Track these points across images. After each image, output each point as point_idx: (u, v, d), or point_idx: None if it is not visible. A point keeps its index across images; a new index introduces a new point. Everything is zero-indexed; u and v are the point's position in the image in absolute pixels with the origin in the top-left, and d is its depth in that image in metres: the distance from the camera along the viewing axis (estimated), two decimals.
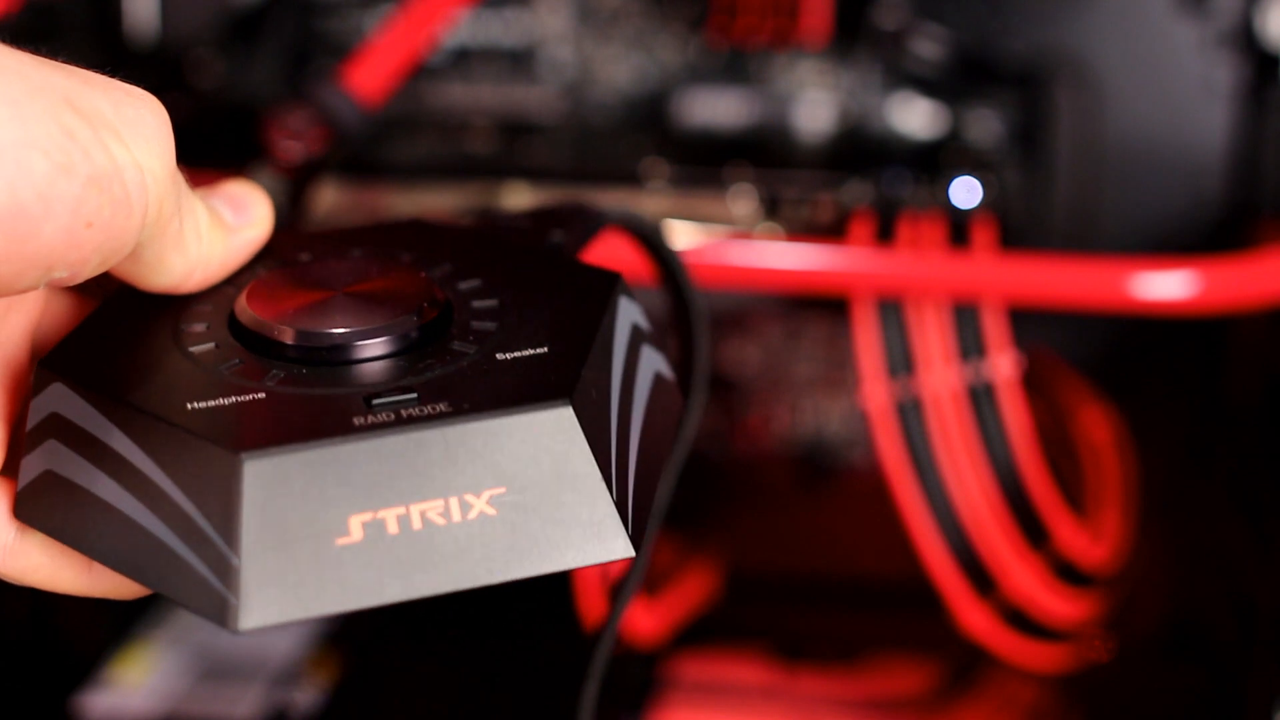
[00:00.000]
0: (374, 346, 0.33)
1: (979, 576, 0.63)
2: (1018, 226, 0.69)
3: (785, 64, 0.74)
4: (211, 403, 0.31)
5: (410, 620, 0.74)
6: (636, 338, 0.37)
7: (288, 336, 0.33)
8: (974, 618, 0.64)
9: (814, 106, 0.73)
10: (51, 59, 0.31)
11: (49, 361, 0.33)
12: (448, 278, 0.37)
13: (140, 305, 0.35)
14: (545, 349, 0.34)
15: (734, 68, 0.74)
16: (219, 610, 0.29)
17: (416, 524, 0.30)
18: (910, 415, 0.62)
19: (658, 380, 0.37)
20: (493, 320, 0.35)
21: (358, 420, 0.31)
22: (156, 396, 0.31)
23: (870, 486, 0.70)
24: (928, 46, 0.72)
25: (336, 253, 0.38)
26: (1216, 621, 0.70)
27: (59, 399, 0.32)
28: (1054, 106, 0.71)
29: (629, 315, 0.37)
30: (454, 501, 0.31)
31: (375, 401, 0.31)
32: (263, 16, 0.76)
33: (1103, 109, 0.72)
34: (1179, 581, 0.73)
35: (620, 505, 0.32)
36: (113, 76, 0.33)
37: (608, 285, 0.37)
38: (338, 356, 0.33)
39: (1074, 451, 0.69)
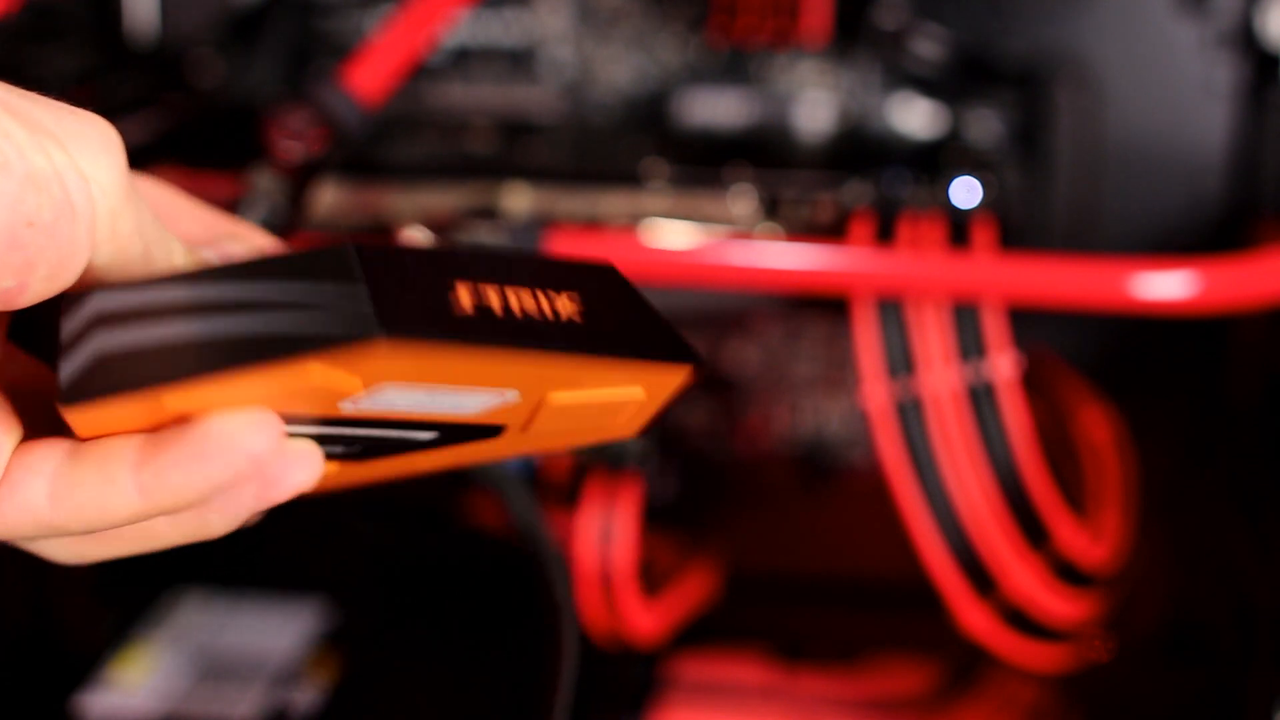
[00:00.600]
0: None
1: (979, 576, 0.63)
2: (1018, 226, 0.69)
3: (785, 64, 0.74)
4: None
5: (410, 620, 0.75)
6: None
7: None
8: (974, 618, 0.64)
9: (814, 106, 0.73)
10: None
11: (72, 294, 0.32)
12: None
13: None
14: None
15: (734, 68, 0.74)
16: (361, 324, 0.30)
17: (514, 306, 0.32)
18: (910, 415, 0.62)
19: None
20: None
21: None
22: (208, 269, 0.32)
23: (870, 486, 0.70)
24: (928, 46, 0.72)
25: None
26: (1216, 621, 0.70)
27: (98, 302, 0.32)
28: (1054, 106, 0.71)
29: None
30: (542, 296, 0.33)
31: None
32: (263, 16, 0.76)
33: (1103, 109, 0.72)
34: (1179, 581, 0.73)
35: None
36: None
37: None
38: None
39: (1074, 451, 0.69)
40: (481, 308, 0.32)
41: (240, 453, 0.31)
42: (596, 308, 0.34)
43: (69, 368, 0.31)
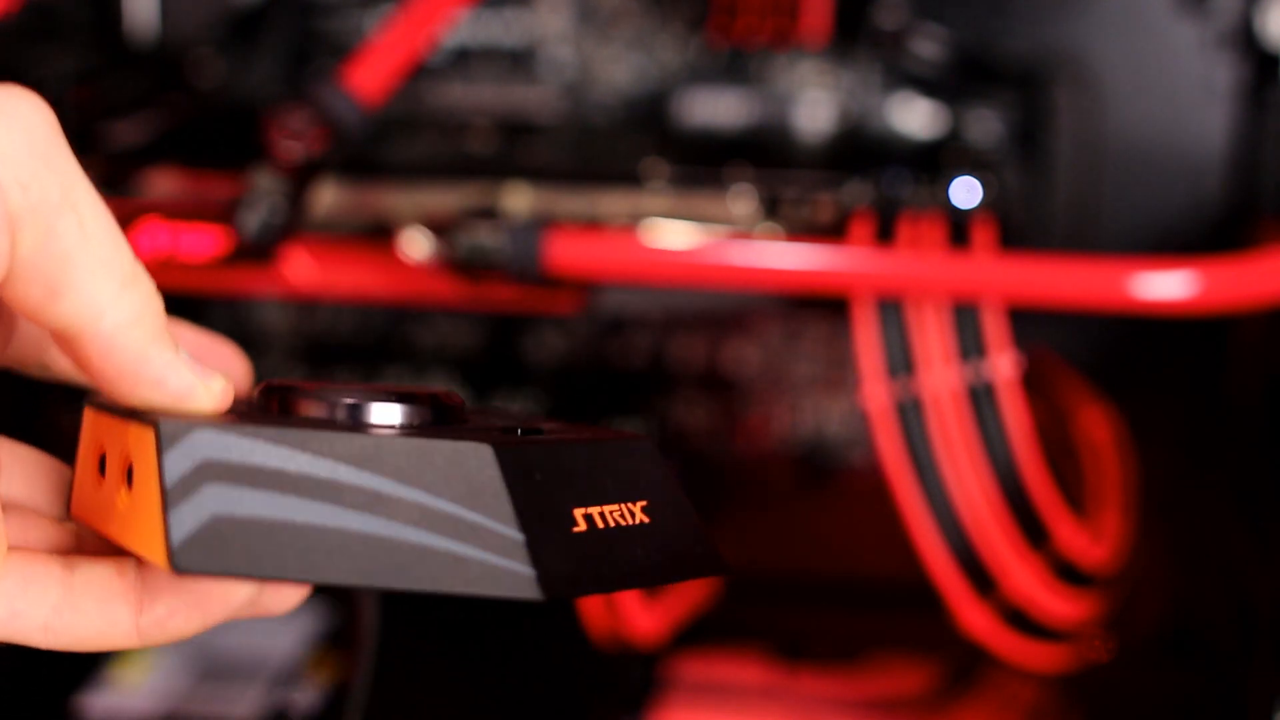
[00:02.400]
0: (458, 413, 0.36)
1: (979, 576, 0.63)
2: (1018, 226, 0.69)
3: (785, 64, 0.74)
4: (385, 433, 0.32)
5: (410, 621, 0.74)
6: None
7: (382, 410, 0.34)
8: (974, 618, 0.64)
9: (814, 106, 0.73)
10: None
11: (157, 416, 0.31)
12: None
13: None
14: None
15: (734, 68, 0.74)
16: (522, 586, 0.31)
17: (610, 522, 0.34)
18: (910, 415, 0.62)
19: None
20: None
21: (524, 438, 0.34)
22: (327, 431, 0.32)
23: (870, 486, 0.70)
24: (928, 46, 0.72)
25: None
26: (1216, 621, 0.70)
27: (205, 445, 0.31)
28: (1054, 106, 0.71)
29: None
30: (624, 508, 0.35)
31: (519, 431, 0.35)
32: (263, 16, 0.76)
33: (1103, 109, 0.72)
34: (1179, 581, 0.73)
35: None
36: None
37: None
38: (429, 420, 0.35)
39: (1074, 451, 0.69)
40: (595, 533, 0.34)
41: (237, 599, 0.32)
42: (658, 519, 0.36)
43: (180, 525, 0.30)
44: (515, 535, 0.32)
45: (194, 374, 0.32)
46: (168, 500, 0.30)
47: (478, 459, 0.32)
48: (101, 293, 0.30)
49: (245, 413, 0.33)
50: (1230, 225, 0.71)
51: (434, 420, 0.35)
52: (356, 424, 0.33)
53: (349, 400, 0.34)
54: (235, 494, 0.31)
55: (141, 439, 0.31)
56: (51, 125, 0.30)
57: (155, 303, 0.32)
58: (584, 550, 0.33)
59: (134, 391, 0.32)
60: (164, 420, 0.31)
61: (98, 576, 0.32)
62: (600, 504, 0.34)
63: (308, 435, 0.31)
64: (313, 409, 0.33)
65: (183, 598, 0.32)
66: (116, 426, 0.33)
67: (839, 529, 0.77)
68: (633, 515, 0.35)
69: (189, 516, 0.30)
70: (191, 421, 0.31)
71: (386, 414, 0.34)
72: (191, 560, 0.30)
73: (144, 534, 0.31)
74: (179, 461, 0.31)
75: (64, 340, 0.31)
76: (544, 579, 0.31)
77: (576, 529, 0.33)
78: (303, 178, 0.65)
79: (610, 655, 0.70)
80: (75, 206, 0.30)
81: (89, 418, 0.34)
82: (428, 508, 0.31)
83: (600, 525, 0.34)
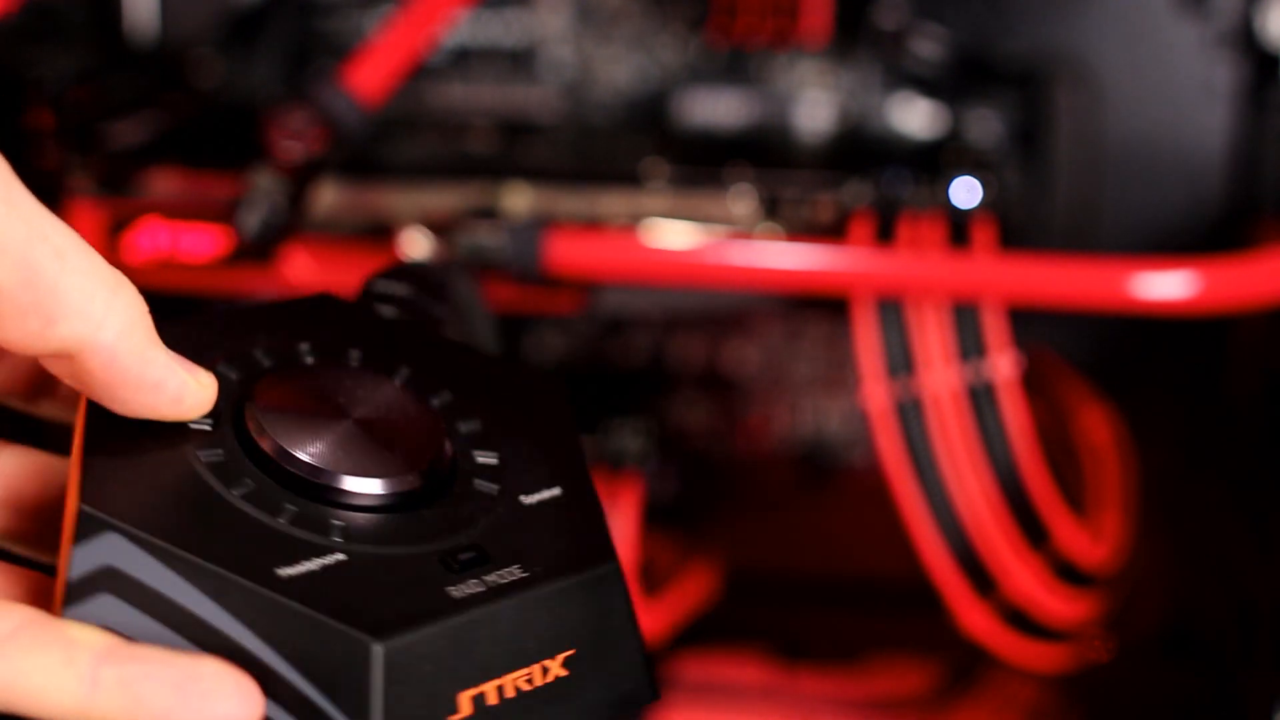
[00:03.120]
0: (417, 496, 0.34)
1: (979, 576, 0.63)
2: (1018, 226, 0.69)
3: (785, 64, 0.74)
4: (300, 568, 0.31)
5: None
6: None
7: (341, 485, 0.33)
8: (974, 618, 0.64)
9: (814, 106, 0.73)
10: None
11: (91, 499, 0.30)
12: (422, 393, 0.37)
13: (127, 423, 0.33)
14: (558, 490, 0.36)
15: (734, 68, 0.74)
16: None
17: (510, 693, 0.32)
18: (910, 415, 0.62)
19: None
20: (489, 450, 0.36)
21: (454, 592, 0.31)
22: (237, 556, 0.30)
23: (870, 486, 0.70)
24: (928, 46, 0.72)
25: (283, 352, 0.37)
26: (1216, 621, 0.70)
27: (113, 551, 0.30)
28: (1054, 106, 0.70)
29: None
30: (538, 669, 0.32)
31: (457, 565, 0.32)
32: (263, 16, 0.76)
33: (1103, 109, 0.72)
34: (1179, 581, 0.73)
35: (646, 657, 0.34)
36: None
37: (560, 393, 0.39)
38: (388, 505, 0.33)
39: (1074, 451, 0.69)
40: (482, 712, 0.31)
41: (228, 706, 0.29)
42: (581, 668, 0.33)
43: (71, 616, 0.30)
44: None
45: (186, 372, 0.32)
46: (68, 593, 0.30)
47: (360, 654, 0.30)
48: (94, 306, 0.30)
49: (183, 499, 0.32)
50: (1230, 225, 0.71)
51: (420, 490, 0.34)
52: (325, 497, 0.33)
53: (323, 472, 0.33)
54: (125, 613, 0.30)
55: (71, 512, 0.31)
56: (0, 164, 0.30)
57: (142, 304, 0.32)
58: None
59: (135, 398, 0.32)
60: (86, 507, 0.30)
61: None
62: (506, 673, 0.32)
63: (216, 578, 0.30)
64: (283, 462, 0.33)
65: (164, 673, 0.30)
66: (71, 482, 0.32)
67: (839, 529, 0.77)
68: (546, 673, 0.32)
69: (80, 614, 0.30)
70: (109, 518, 0.30)
71: (363, 488, 0.33)
72: None
73: (56, 587, 0.31)
74: (86, 557, 0.30)
75: (63, 362, 0.31)
76: None
77: (456, 716, 0.31)
78: (303, 178, 0.65)
79: None
80: (44, 236, 0.30)
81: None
82: (293, 689, 0.30)
83: (491, 702, 0.31)
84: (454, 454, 0.35)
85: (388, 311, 0.41)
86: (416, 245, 0.65)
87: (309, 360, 0.37)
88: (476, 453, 0.36)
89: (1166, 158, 0.72)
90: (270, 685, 0.30)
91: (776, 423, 0.78)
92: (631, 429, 0.74)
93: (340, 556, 0.31)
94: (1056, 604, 0.64)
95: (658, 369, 0.78)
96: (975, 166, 0.68)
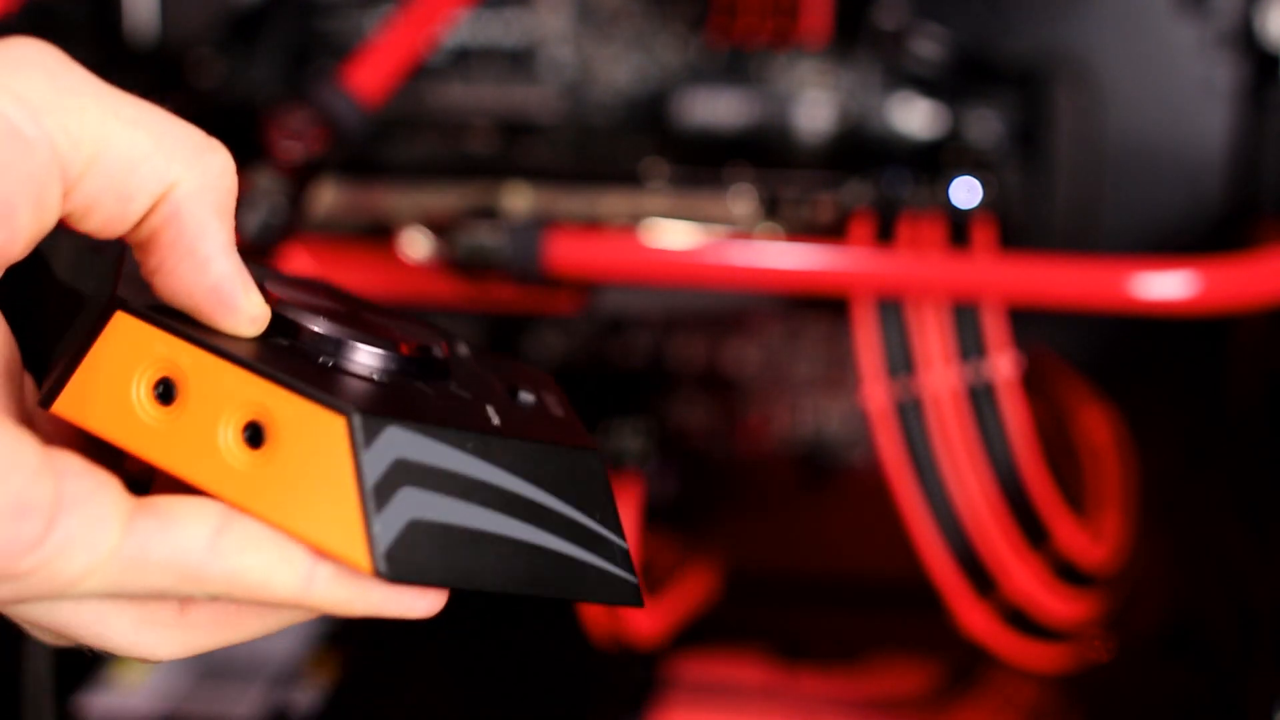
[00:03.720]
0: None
1: (979, 576, 0.63)
2: (1018, 226, 0.69)
3: (785, 64, 0.74)
4: (495, 417, 0.33)
5: (411, 621, 0.74)
6: None
7: (431, 353, 0.35)
8: (974, 618, 0.64)
9: (814, 106, 0.73)
10: None
11: (362, 405, 0.31)
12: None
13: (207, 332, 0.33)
14: (534, 399, 0.38)
15: (734, 68, 0.74)
16: (629, 594, 0.34)
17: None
18: (910, 415, 0.62)
19: None
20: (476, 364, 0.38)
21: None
22: (465, 420, 0.32)
23: (870, 486, 0.70)
24: (928, 46, 0.72)
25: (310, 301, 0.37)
26: (1216, 621, 0.70)
27: (406, 445, 0.31)
28: (1054, 106, 0.70)
29: None
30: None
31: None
32: (263, 16, 0.76)
33: (1103, 109, 0.72)
34: (1179, 581, 0.73)
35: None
36: (112, 76, 0.32)
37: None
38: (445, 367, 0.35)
39: (1074, 451, 0.69)
40: None
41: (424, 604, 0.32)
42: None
43: (386, 529, 0.30)
44: (621, 544, 0.34)
45: (240, 274, 0.32)
46: (372, 502, 0.30)
47: (594, 465, 0.34)
48: (171, 171, 0.31)
49: (378, 392, 0.33)
50: (1230, 225, 0.71)
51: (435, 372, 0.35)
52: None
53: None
54: (426, 499, 0.31)
55: (310, 419, 0.30)
56: (59, 56, 0.31)
57: (228, 176, 0.32)
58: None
59: (178, 269, 0.31)
60: (357, 411, 0.30)
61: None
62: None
63: (479, 440, 0.32)
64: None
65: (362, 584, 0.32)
66: (222, 370, 0.31)
67: (839, 529, 0.77)
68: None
69: (392, 520, 0.30)
70: (381, 416, 0.30)
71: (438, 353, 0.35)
72: (398, 567, 0.30)
73: (307, 516, 0.30)
74: (377, 460, 0.30)
75: (140, 236, 0.31)
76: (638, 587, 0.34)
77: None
78: (303, 178, 0.65)
79: (610, 655, 0.70)
80: (115, 113, 0.30)
81: (129, 325, 0.32)
82: (570, 518, 0.33)
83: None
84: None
85: None
86: (416, 245, 0.65)
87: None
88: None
89: (1166, 158, 0.72)
90: (544, 520, 0.32)
91: (776, 423, 0.78)
92: (631, 429, 0.74)
93: (490, 406, 0.34)
94: (1056, 604, 0.64)
95: (658, 369, 0.78)
96: (975, 166, 0.68)
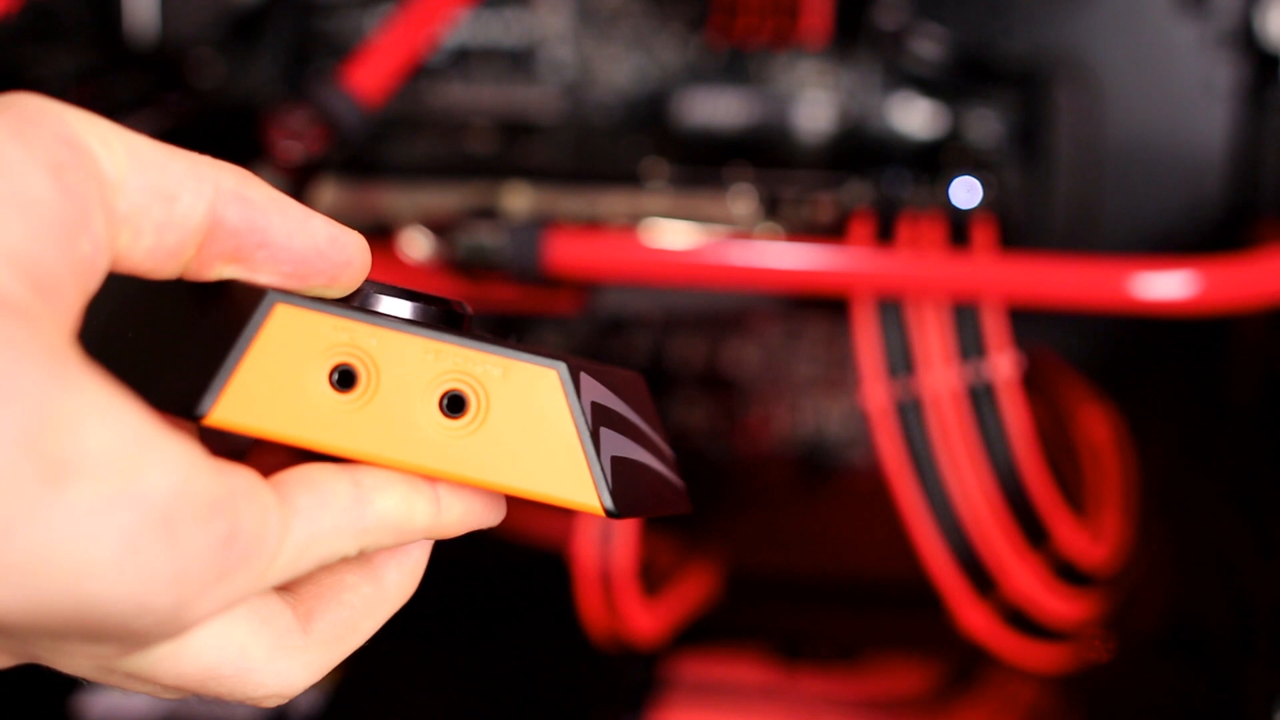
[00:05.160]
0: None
1: (979, 576, 0.63)
2: (1018, 226, 0.69)
3: (785, 64, 0.74)
4: (554, 351, 0.34)
5: (410, 620, 0.74)
6: None
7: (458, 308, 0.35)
8: (974, 618, 0.64)
9: (814, 106, 0.73)
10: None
11: (560, 358, 0.32)
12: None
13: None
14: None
15: (734, 68, 0.74)
16: (687, 500, 0.36)
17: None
18: (910, 415, 0.62)
19: None
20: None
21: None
22: (576, 361, 0.33)
23: (870, 486, 0.70)
24: (928, 46, 0.72)
25: None
26: (1216, 621, 0.70)
27: (591, 389, 0.32)
28: (1054, 106, 0.71)
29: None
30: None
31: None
32: (263, 16, 0.76)
33: (1103, 109, 0.72)
34: (1179, 581, 0.73)
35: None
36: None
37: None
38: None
39: (1074, 451, 0.69)
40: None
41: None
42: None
43: (604, 469, 0.32)
44: (670, 452, 0.35)
45: (326, 219, 0.32)
46: (591, 446, 0.32)
47: (640, 381, 0.35)
48: (203, 169, 0.30)
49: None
50: (1230, 225, 0.71)
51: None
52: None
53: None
54: (614, 438, 0.33)
55: (522, 379, 0.31)
56: (60, 108, 0.29)
57: (245, 172, 0.31)
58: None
59: (291, 242, 0.31)
60: (553, 361, 0.32)
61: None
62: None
63: (614, 374, 0.33)
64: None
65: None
66: (413, 345, 0.31)
67: (839, 529, 0.77)
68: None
69: (605, 460, 0.32)
70: (574, 366, 0.32)
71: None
72: (620, 503, 0.32)
73: (530, 472, 0.32)
74: (585, 407, 0.32)
75: (209, 240, 0.30)
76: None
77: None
78: (303, 178, 0.65)
79: (610, 655, 0.70)
80: (134, 133, 0.30)
81: (294, 317, 0.31)
82: (659, 445, 0.35)
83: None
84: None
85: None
86: (416, 245, 0.65)
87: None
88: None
89: (1166, 158, 0.72)
90: (653, 448, 0.34)
91: (776, 423, 0.78)
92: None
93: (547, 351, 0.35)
94: (1056, 604, 0.64)
95: (658, 369, 0.78)
96: (975, 166, 0.68)
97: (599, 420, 0.32)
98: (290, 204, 0.31)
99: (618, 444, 0.33)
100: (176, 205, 0.30)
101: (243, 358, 0.30)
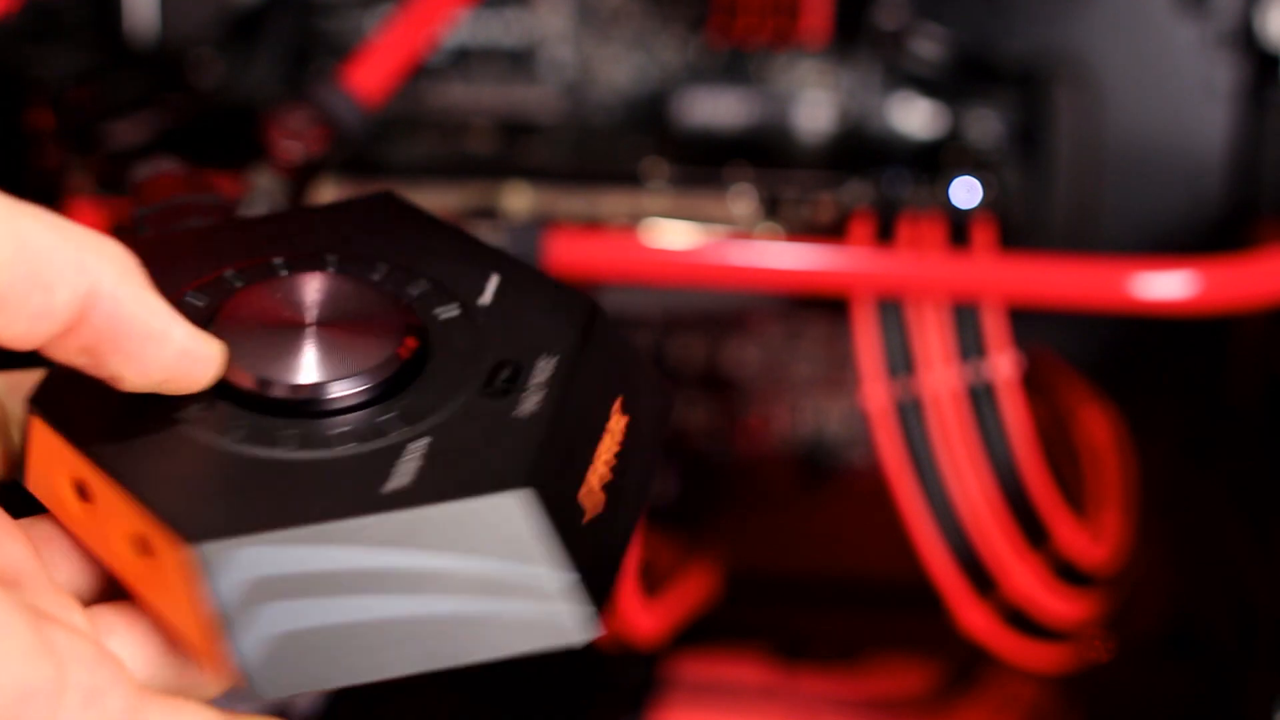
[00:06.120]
0: (410, 363, 0.33)
1: (979, 576, 0.63)
2: (1018, 226, 0.69)
3: (785, 64, 0.74)
4: (397, 477, 0.30)
5: None
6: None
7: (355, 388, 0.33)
8: (974, 618, 0.64)
9: (814, 106, 0.73)
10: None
11: (183, 526, 0.29)
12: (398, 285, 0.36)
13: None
14: (498, 277, 0.35)
15: (734, 68, 0.74)
16: (574, 629, 0.30)
17: (610, 459, 0.33)
18: (910, 415, 0.62)
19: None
20: (445, 300, 0.35)
21: (520, 411, 0.32)
22: (337, 500, 0.30)
23: (870, 486, 0.70)
24: (928, 46, 0.72)
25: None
26: (1216, 621, 0.70)
27: (252, 562, 0.29)
28: (1054, 106, 0.71)
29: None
30: (613, 425, 0.34)
31: (502, 387, 0.33)
32: (263, 16, 0.76)
33: (1103, 109, 0.72)
34: (1179, 581, 0.73)
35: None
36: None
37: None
38: (387, 388, 0.33)
39: (1074, 451, 0.69)
40: (609, 492, 0.32)
41: None
42: (633, 403, 0.34)
43: (251, 651, 0.29)
44: (564, 575, 0.30)
45: (197, 332, 0.32)
46: (231, 630, 0.29)
47: (510, 510, 0.30)
48: (88, 258, 0.30)
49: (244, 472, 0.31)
50: (1230, 225, 0.71)
51: (412, 355, 0.33)
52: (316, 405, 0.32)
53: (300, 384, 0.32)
54: (291, 608, 0.29)
55: (167, 548, 0.29)
56: None
57: (130, 254, 0.31)
58: (604, 531, 0.31)
59: (145, 349, 0.31)
60: (200, 543, 0.29)
61: None
62: (597, 444, 0.32)
63: (346, 527, 0.29)
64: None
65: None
66: (111, 493, 0.31)
67: (839, 529, 0.77)
68: (620, 431, 0.33)
69: (256, 641, 0.29)
70: (227, 539, 0.29)
71: (361, 383, 0.32)
72: (275, 685, 0.29)
73: (191, 629, 0.30)
74: (230, 586, 0.29)
75: (71, 339, 0.30)
76: (594, 613, 0.30)
77: (594, 512, 0.31)
78: (303, 178, 0.65)
79: (610, 655, 0.70)
80: (21, 211, 0.29)
81: (45, 432, 0.32)
82: (475, 575, 0.30)
83: (607, 479, 0.32)
84: (415, 313, 0.35)
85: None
86: None
87: (281, 272, 0.35)
88: (437, 309, 0.35)
89: (1166, 158, 0.72)
90: (441, 585, 0.29)
91: (776, 423, 0.78)
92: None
93: (416, 443, 0.31)
94: (1056, 604, 0.64)
95: (658, 369, 0.78)
96: (975, 166, 0.68)
97: (263, 594, 0.29)
98: (156, 309, 0.31)
99: (298, 616, 0.29)
100: (55, 295, 0.29)
101: (29, 445, 0.32)
